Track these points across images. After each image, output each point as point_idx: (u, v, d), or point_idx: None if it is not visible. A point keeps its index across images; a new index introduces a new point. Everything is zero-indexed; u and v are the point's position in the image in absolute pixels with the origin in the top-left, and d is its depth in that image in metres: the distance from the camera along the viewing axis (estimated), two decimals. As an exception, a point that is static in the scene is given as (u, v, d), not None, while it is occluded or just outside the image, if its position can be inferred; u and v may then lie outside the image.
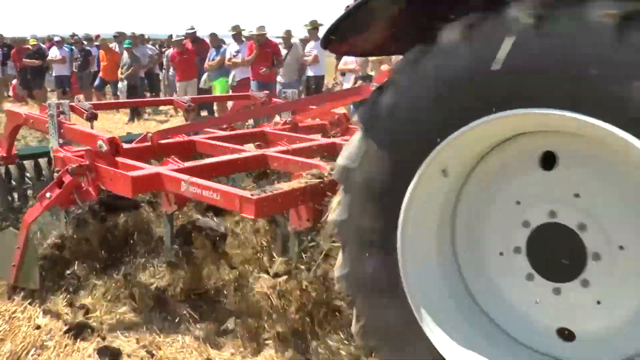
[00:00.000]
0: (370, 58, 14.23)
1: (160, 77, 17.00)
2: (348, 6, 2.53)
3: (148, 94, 16.51)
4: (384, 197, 2.48)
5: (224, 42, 14.55)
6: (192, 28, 14.69)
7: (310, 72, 13.94)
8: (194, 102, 5.14)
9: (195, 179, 3.27)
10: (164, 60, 16.60)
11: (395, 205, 2.44)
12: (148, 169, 3.50)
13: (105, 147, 3.67)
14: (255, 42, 13.16)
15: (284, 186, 3.19)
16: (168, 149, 4.22)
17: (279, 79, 13.65)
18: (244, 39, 13.74)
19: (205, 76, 14.32)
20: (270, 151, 3.94)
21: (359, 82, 12.77)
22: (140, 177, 3.36)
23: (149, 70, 16.46)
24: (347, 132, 4.92)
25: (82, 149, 3.87)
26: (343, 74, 14.16)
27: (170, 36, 16.76)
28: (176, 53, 14.36)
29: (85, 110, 4.39)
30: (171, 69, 15.20)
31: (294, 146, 4.12)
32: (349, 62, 13.77)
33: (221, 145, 4.16)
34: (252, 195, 3.01)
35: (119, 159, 3.67)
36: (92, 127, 4.34)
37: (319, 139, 4.40)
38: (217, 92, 14.11)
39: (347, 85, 13.60)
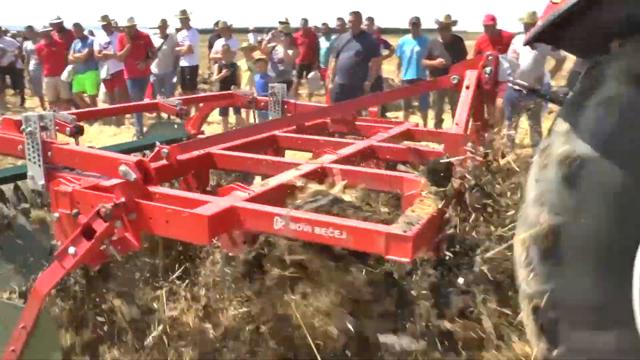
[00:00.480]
0: (241, 45, 13.22)
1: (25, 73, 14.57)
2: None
3: (12, 91, 14.10)
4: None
5: (93, 34, 12.72)
6: (59, 18, 12.58)
7: (184, 62, 12.64)
8: (186, 104, 3.91)
9: (298, 212, 2.24)
10: (25, 53, 14.19)
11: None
12: (215, 201, 2.38)
13: (133, 175, 2.49)
14: (126, 35, 11.59)
15: (419, 211, 2.26)
16: (185, 167, 3.08)
17: (152, 69, 12.20)
18: (113, 30, 12.10)
19: (69, 68, 12.39)
20: (327, 163, 2.94)
21: (224, 70, 11.77)
22: (217, 215, 2.25)
23: (9, 65, 13.97)
24: (356, 131, 4.03)
25: (94, 180, 2.64)
26: (216, 62, 13.00)
27: (30, 27, 14.38)
28: (44, 45, 12.26)
29: (66, 123, 3.06)
30: (32, 63, 13.00)
31: (342, 152, 3.16)
32: (219, 50, 12.64)
33: (254, 158, 3.09)
34: (404, 231, 2.06)
35: (153, 189, 2.52)
36: (77, 145, 3.04)
37: (354, 142, 3.45)
38: (86, 86, 12.37)
39: (215, 73, 12.51)
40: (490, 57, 3.05)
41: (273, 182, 2.62)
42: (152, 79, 12.19)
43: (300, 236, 2.22)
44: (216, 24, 13.45)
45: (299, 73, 13.92)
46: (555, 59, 10.32)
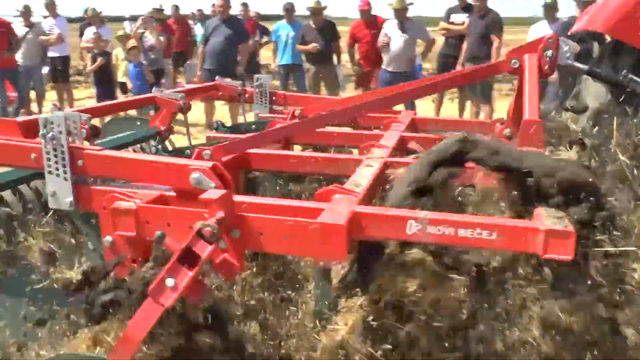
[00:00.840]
0: (116, 34, 12.06)
1: None
2: None
3: None
4: None
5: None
6: None
7: (54, 53, 11.29)
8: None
9: (438, 214, 1.87)
10: None
11: None
12: (329, 208, 1.92)
13: (211, 184, 1.97)
14: (-16, 23, 10.10)
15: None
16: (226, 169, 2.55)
17: (17, 59, 10.79)
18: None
19: None
20: (386, 157, 2.57)
21: (99, 59, 10.75)
22: (349, 225, 1.81)
23: None
24: (354, 123, 3.65)
25: (152, 192, 2.07)
26: (88, 51, 11.78)
27: None
28: None
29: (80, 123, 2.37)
30: None
31: (385, 145, 2.80)
32: (90, 39, 11.46)
33: (300, 155, 2.65)
34: (565, 226, 1.78)
35: (238, 198, 2.00)
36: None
37: (383, 134, 3.10)
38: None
39: (89, 64, 11.34)
40: (550, 40, 2.81)
41: (364, 180, 2.21)
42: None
43: (441, 240, 1.86)
44: (85, 11, 12.14)
45: (174, 61, 13.03)
46: (425, 42, 10.53)
